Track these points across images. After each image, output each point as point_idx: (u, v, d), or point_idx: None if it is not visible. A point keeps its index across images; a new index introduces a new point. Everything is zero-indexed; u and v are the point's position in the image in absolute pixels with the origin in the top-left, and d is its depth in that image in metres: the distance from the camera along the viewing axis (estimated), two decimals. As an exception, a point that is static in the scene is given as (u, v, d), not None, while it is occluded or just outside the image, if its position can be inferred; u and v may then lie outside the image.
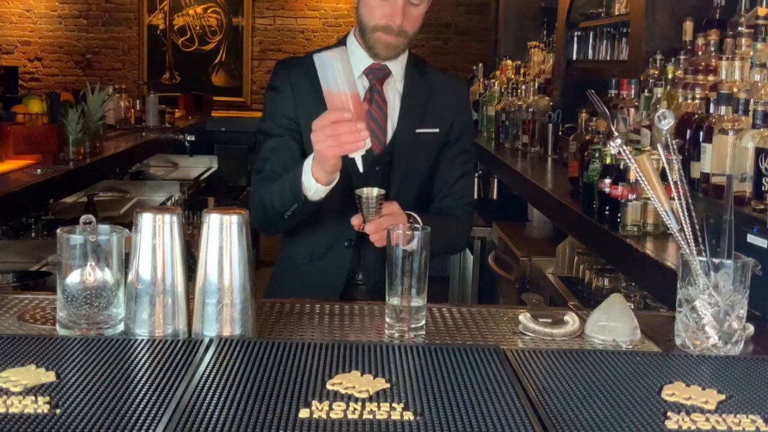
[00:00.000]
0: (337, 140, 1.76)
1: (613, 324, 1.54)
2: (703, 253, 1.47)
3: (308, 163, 1.88)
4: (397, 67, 2.14)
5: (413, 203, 2.14)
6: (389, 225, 1.70)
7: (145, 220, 1.45)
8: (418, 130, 2.14)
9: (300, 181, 1.89)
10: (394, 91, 2.15)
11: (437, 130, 2.16)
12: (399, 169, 2.13)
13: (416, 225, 1.59)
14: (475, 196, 5.14)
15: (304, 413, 1.13)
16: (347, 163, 2.01)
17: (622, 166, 2.36)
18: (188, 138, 6.08)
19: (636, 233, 2.29)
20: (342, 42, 2.17)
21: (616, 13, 4.07)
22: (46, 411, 1.13)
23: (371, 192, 1.85)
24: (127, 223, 1.54)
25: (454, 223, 2.18)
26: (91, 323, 1.47)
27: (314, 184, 1.87)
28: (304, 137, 2.12)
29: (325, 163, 1.82)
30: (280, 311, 1.71)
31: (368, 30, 2.06)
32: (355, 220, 1.89)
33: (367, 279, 2.14)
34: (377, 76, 2.12)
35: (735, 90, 2.26)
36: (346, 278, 2.13)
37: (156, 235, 1.45)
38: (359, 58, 2.12)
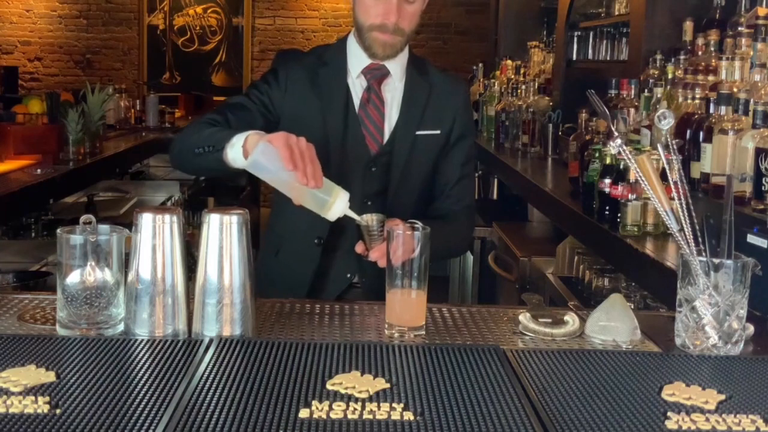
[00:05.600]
0: (302, 160, 1.65)
1: (613, 324, 1.54)
2: (703, 253, 1.46)
3: (252, 135, 1.76)
4: (396, 67, 2.14)
5: (413, 205, 2.13)
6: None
7: (145, 220, 1.45)
8: (418, 132, 2.13)
9: (232, 136, 1.79)
10: (392, 91, 2.14)
11: (438, 132, 2.15)
12: (397, 171, 2.12)
13: (416, 225, 1.59)
14: (476, 196, 5.18)
15: (304, 413, 1.13)
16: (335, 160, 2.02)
17: (622, 166, 2.36)
18: (188, 138, 6.06)
19: (636, 233, 2.29)
20: (342, 44, 2.17)
21: (616, 13, 4.07)
22: (46, 411, 1.13)
23: (371, 219, 1.80)
24: (127, 223, 1.54)
25: (455, 227, 2.17)
26: (91, 323, 1.47)
27: (240, 152, 1.76)
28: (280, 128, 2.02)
29: (268, 149, 1.68)
30: (280, 311, 1.71)
31: (364, 29, 2.06)
32: (359, 248, 1.85)
33: (364, 281, 2.13)
34: (375, 76, 2.12)
35: (735, 90, 2.26)
36: (313, 277, 2.11)
37: (156, 235, 1.45)
38: (358, 58, 2.12)
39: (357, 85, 2.13)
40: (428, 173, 2.17)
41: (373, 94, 2.12)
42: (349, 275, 2.14)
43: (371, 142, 2.12)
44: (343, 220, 1.82)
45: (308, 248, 2.12)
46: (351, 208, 1.78)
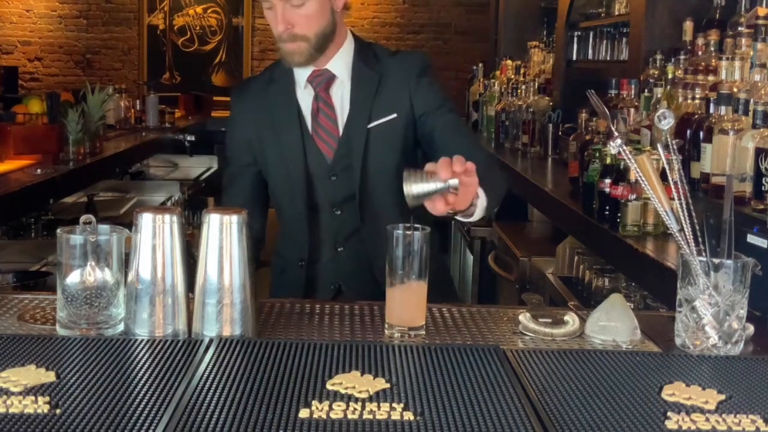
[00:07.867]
0: None
1: (613, 324, 1.54)
2: (703, 253, 1.46)
3: None
4: (340, 67, 2.07)
5: (394, 199, 1.99)
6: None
7: (145, 220, 1.45)
8: (370, 125, 2.05)
9: None
10: (341, 92, 2.08)
11: (394, 116, 2.05)
12: (357, 170, 2.05)
13: (416, 225, 1.58)
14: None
15: (304, 413, 1.13)
16: (298, 178, 2.07)
17: (622, 166, 2.36)
18: (188, 138, 6.08)
19: (636, 233, 2.29)
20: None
21: (616, 13, 4.07)
22: (46, 411, 1.13)
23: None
24: (127, 223, 1.54)
25: (487, 164, 1.93)
26: (91, 323, 1.47)
27: None
28: (267, 159, 2.12)
29: None
30: (280, 311, 1.71)
31: (277, 43, 2.04)
32: (440, 205, 1.56)
33: (348, 289, 2.12)
34: (320, 83, 2.07)
35: (735, 90, 2.26)
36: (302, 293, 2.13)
37: (156, 235, 1.45)
38: (301, 69, 2.08)
39: (306, 97, 2.09)
40: (397, 161, 2.05)
41: (321, 102, 2.07)
42: (332, 287, 2.14)
43: (327, 150, 2.07)
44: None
45: (295, 269, 2.16)
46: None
